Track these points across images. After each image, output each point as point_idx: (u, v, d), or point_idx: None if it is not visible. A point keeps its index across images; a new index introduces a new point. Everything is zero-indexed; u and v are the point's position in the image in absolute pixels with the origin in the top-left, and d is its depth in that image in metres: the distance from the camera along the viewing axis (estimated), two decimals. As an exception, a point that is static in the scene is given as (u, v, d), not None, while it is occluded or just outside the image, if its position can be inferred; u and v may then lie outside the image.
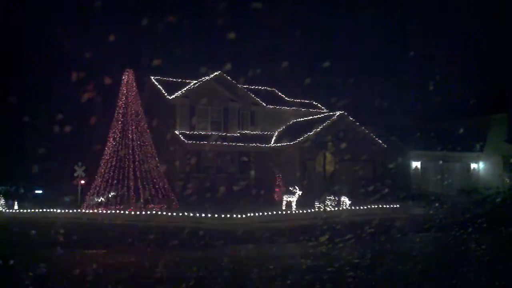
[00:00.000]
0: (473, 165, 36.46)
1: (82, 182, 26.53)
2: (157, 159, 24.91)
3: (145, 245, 12.09)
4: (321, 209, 21.37)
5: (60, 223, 14.62)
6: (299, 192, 23.68)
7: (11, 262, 10.05)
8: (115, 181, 23.45)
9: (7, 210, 24.00)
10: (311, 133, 30.13)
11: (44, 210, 21.97)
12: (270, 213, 20.02)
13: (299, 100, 38.58)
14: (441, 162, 34.08)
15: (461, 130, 32.34)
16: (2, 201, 24.57)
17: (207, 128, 31.87)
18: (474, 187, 32.49)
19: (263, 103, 34.67)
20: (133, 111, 24.73)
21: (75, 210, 22.02)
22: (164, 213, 20.44)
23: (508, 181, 31.59)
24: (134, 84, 25.23)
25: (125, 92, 24.90)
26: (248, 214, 18.88)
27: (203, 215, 18.89)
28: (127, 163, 23.81)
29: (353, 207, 23.09)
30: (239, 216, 18.43)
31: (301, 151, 30.00)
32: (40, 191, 33.29)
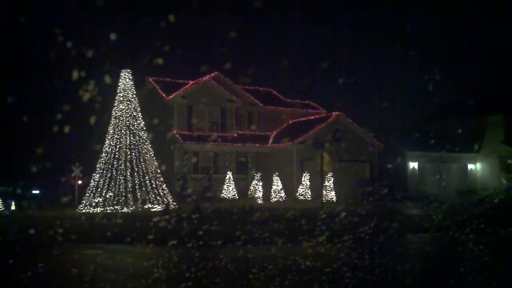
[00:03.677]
0: (471, 166, 36.58)
1: (80, 182, 26.48)
2: (154, 159, 24.89)
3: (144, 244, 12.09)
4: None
5: (58, 223, 14.59)
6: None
7: (10, 261, 10.04)
8: (112, 181, 23.42)
9: (5, 210, 23.95)
10: (309, 133, 30.18)
11: (42, 209, 21.86)
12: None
13: (297, 101, 38.63)
14: (438, 163, 34.19)
15: (459, 131, 32.49)
16: (0, 201, 24.50)
17: (204, 128, 31.87)
18: (472, 188, 32.66)
19: (261, 104, 34.69)
20: (131, 111, 24.69)
21: (72, 210, 21.93)
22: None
23: (505, 182, 31.74)
24: (132, 84, 25.19)
25: (122, 92, 24.84)
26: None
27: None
28: (124, 163, 23.79)
29: (350, 207, 23.10)
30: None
31: (298, 151, 30.05)
32: (37, 191, 33.21)
